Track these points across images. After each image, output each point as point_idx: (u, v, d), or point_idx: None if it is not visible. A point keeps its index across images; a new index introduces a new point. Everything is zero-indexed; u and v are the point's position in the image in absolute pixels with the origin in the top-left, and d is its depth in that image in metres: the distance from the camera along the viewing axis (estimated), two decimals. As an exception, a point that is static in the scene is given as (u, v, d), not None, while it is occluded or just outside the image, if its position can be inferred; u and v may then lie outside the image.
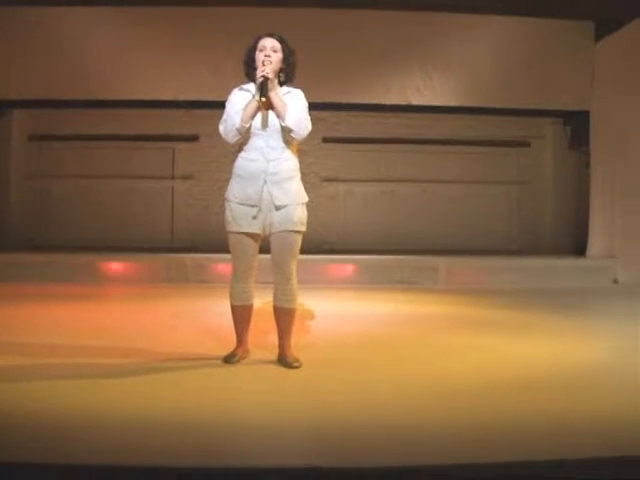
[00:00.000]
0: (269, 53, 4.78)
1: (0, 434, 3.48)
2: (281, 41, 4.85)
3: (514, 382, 4.62)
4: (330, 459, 3.26)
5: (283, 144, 4.80)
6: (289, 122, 4.71)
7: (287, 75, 4.89)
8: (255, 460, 3.29)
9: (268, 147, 4.77)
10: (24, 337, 5.73)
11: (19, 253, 10.04)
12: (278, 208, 4.76)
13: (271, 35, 4.86)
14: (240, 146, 4.85)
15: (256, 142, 4.79)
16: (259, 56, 4.79)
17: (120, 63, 9.99)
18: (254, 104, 4.75)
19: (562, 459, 3.23)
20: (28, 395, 4.12)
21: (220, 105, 4.95)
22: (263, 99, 4.71)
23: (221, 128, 4.85)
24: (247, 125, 4.75)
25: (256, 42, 4.86)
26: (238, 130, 4.75)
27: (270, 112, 4.77)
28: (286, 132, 4.74)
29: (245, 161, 4.82)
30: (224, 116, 4.86)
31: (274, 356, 4.98)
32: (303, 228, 4.85)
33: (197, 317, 6.89)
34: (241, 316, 4.99)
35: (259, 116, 4.78)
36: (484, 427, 3.69)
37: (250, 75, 4.88)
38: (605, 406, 4.05)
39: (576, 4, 9.60)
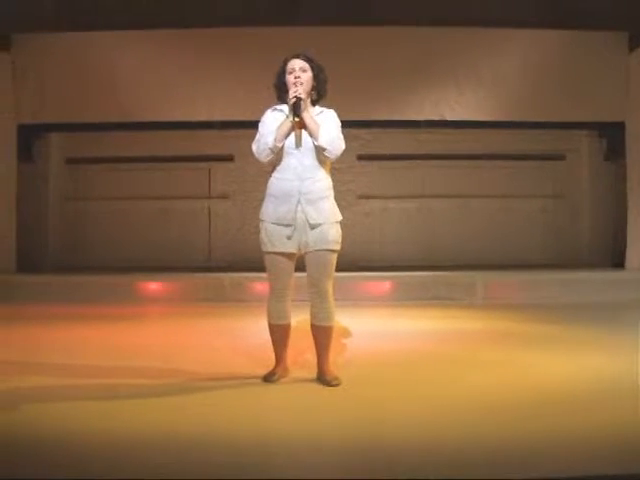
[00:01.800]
0: (299, 74, 4.82)
1: (32, 453, 3.53)
2: (308, 60, 4.89)
3: (553, 397, 4.59)
4: (370, 476, 3.27)
5: (317, 163, 4.82)
6: (322, 141, 4.74)
7: (319, 92, 4.93)
8: (296, 477, 3.31)
9: (302, 166, 4.80)
10: (60, 358, 5.78)
11: (57, 275, 10.17)
12: (313, 227, 4.78)
13: (297, 56, 4.90)
14: (273, 166, 4.88)
15: (289, 161, 4.82)
16: (289, 78, 4.83)
17: (154, 85, 10.09)
18: (288, 124, 4.79)
19: (600, 474, 3.21)
20: (61, 415, 4.17)
21: (254, 125, 4.99)
22: (296, 119, 4.75)
23: (254, 147, 4.89)
24: (280, 144, 4.79)
25: (284, 65, 4.90)
26: (271, 149, 4.78)
27: (303, 132, 4.80)
28: (319, 151, 4.77)
29: (279, 181, 4.85)
30: (257, 136, 4.90)
31: (313, 374, 4.99)
32: (338, 247, 4.86)
33: (235, 336, 6.88)
34: (279, 335, 5.00)
35: (292, 136, 4.81)
36: (522, 444, 3.68)
37: (282, 98, 4.92)
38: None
39: (609, 15, 9.54)
